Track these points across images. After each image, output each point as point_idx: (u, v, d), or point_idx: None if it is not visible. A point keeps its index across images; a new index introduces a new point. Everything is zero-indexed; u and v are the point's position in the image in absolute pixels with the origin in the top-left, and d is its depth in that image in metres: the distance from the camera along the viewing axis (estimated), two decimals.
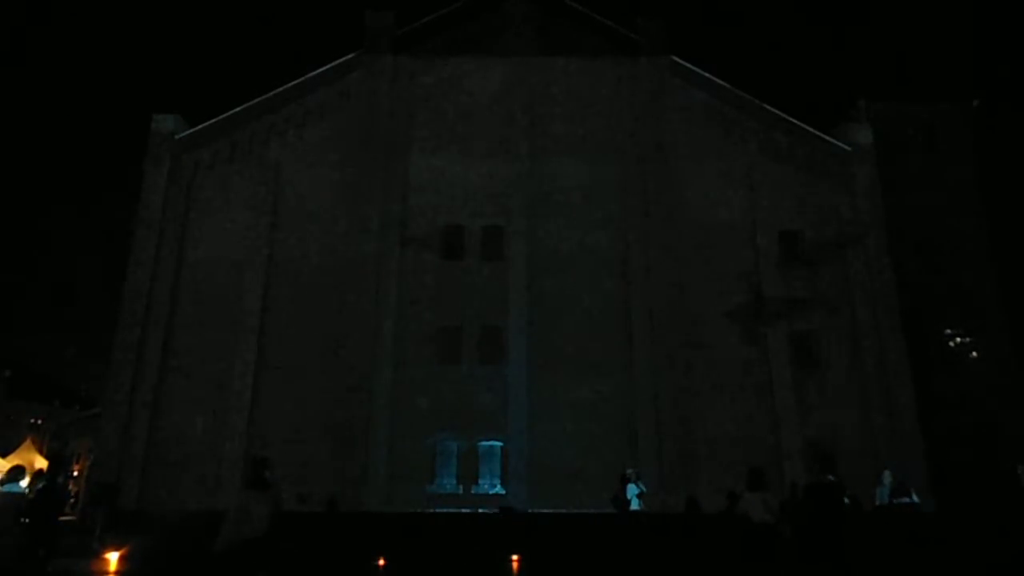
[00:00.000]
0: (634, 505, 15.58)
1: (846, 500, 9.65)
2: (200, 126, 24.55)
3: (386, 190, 23.54)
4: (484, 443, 21.77)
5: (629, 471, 16.12)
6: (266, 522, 7.51)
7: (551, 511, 19.64)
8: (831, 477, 8.61)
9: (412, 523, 17.02)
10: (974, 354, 24.78)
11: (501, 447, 21.67)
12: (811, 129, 24.81)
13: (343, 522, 15.42)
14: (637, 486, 15.53)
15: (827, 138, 24.73)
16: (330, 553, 12.75)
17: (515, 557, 13.03)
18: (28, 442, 29.24)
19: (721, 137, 24.55)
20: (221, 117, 24.57)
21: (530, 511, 20.16)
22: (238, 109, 24.58)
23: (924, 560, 10.87)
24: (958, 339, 24.91)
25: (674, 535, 13.47)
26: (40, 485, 10.51)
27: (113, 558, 12.84)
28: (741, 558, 9.40)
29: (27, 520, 9.70)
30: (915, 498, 13.10)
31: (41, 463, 26.31)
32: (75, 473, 35.92)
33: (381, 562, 12.31)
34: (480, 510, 20.31)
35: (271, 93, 24.66)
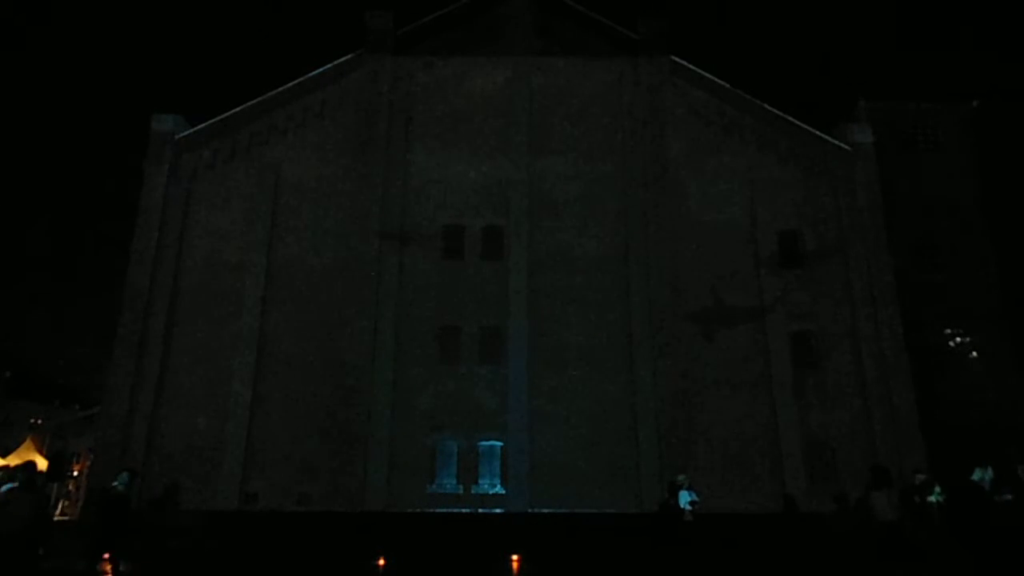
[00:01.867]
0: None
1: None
2: (200, 126, 24.57)
3: (386, 190, 23.56)
4: (484, 443, 21.76)
5: (680, 478, 14.89)
6: (25, 522, 8.22)
7: (550, 511, 19.72)
8: (977, 478, 8.57)
9: (411, 523, 17.02)
10: (974, 354, 24.76)
11: (501, 447, 21.66)
12: (811, 129, 24.79)
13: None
14: (690, 494, 14.23)
15: (827, 138, 24.71)
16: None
17: (515, 557, 13.03)
18: (28, 442, 29.23)
19: (721, 137, 24.55)
20: (221, 117, 24.59)
21: (530, 511, 20.21)
22: (238, 109, 24.61)
23: None
24: (958, 339, 24.89)
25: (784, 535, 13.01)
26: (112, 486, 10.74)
27: None
28: (878, 557, 9.28)
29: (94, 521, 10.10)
30: (1008, 496, 12.93)
31: (41, 463, 26.32)
32: (75, 473, 35.88)
33: (381, 562, 12.31)
34: (480, 510, 20.36)
35: (271, 93, 24.69)
